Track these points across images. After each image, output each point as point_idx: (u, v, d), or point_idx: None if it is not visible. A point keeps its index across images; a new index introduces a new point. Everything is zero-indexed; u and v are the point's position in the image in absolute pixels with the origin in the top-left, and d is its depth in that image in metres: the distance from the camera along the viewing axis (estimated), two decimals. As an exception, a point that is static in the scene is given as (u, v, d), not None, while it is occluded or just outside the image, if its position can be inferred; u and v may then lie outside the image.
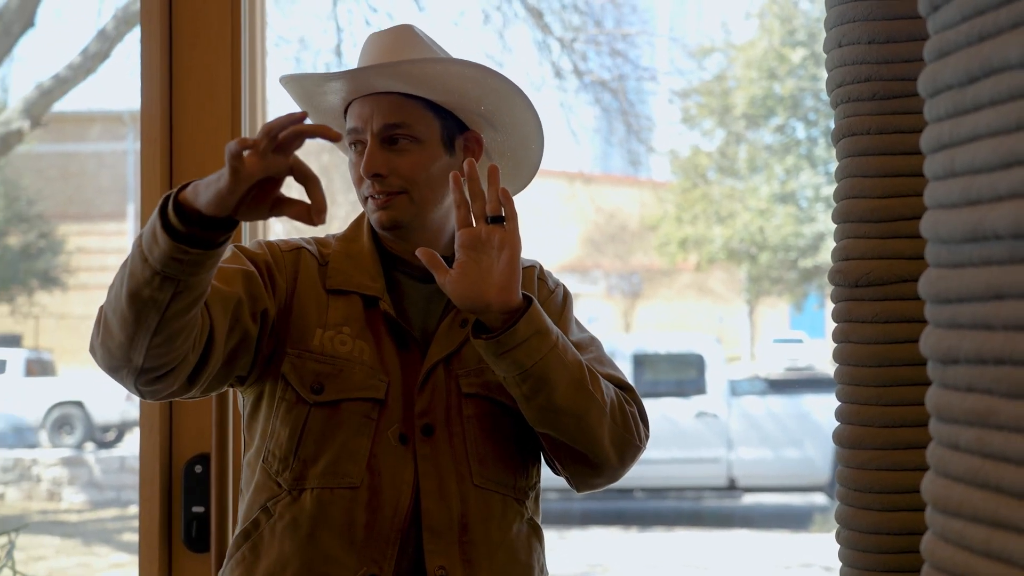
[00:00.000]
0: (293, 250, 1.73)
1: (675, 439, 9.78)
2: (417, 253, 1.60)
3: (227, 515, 2.20)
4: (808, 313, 19.27)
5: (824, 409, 9.73)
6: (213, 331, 1.55)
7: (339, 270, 1.72)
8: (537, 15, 10.82)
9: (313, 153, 10.59)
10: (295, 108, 1.77)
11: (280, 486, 1.66)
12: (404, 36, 1.71)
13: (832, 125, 1.55)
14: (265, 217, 1.41)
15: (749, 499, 10.46)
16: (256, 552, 1.66)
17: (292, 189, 1.41)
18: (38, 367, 13.27)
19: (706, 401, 10.12)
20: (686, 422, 9.99)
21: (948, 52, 0.93)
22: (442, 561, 1.63)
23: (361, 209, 1.76)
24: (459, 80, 1.66)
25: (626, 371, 9.27)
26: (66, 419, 11.54)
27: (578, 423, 1.63)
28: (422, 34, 1.73)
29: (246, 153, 1.34)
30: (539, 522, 1.77)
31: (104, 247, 15.57)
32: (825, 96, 1.59)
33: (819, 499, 10.21)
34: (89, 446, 11.35)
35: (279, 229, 9.67)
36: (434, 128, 1.68)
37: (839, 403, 1.50)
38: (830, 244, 1.60)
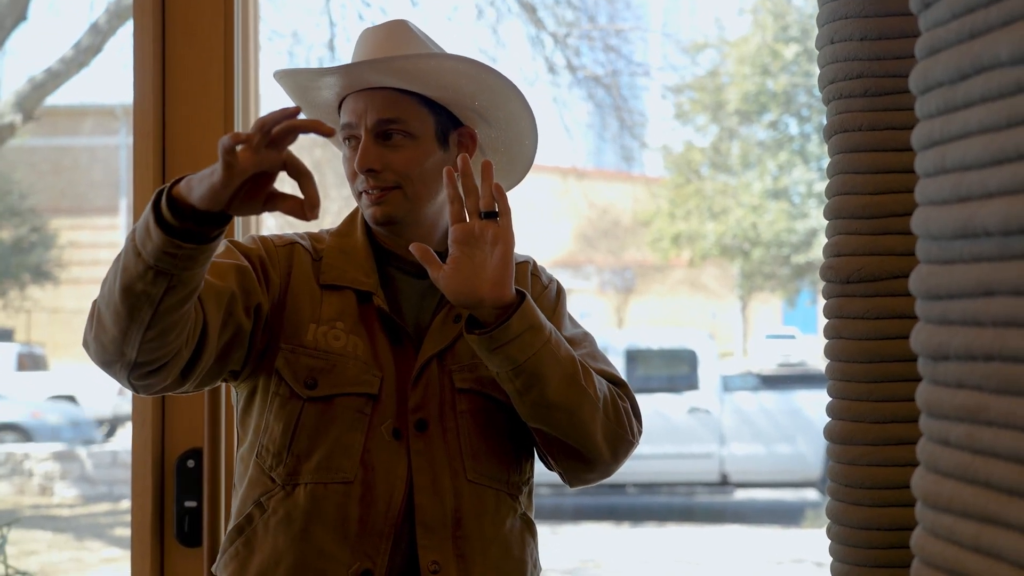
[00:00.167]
0: (287, 245, 1.73)
1: (667, 435, 9.79)
2: (411, 248, 1.60)
3: (219, 510, 2.21)
4: (801, 309, 19.30)
5: (816, 405, 9.74)
6: (206, 326, 1.55)
7: (333, 265, 1.72)
8: (530, 10, 10.81)
9: (306, 148, 10.58)
10: (288, 102, 1.77)
11: (273, 481, 1.66)
12: (398, 31, 1.71)
13: (825, 121, 1.55)
14: (258, 212, 1.41)
15: (741, 495, 10.48)
16: (250, 547, 1.66)
17: (285, 184, 1.41)
18: (30, 361, 13.25)
19: (698, 397, 10.13)
20: (678, 418, 10.00)
21: (939, 49, 0.93)
22: (435, 556, 1.64)
23: (355, 204, 1.76)
24: (453, 76, 1.66)
25: (619, 367, 9.27)
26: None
27: (571, 418, 1.63)
28: (416, 29, 1.73)
29: (239, 148, 1.34)
30: (532, 517, 1.78)
31: (96, 241, 15.55)
32: (818, 92, 1.60)
33: (811, 495, 10.23)
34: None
35: (272, 224, 9.66)
36: (428, 123, 1.68)
37: (830, 399, 1.51)
38: (823, 240, 1.61)
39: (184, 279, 1.42)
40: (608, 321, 18.79)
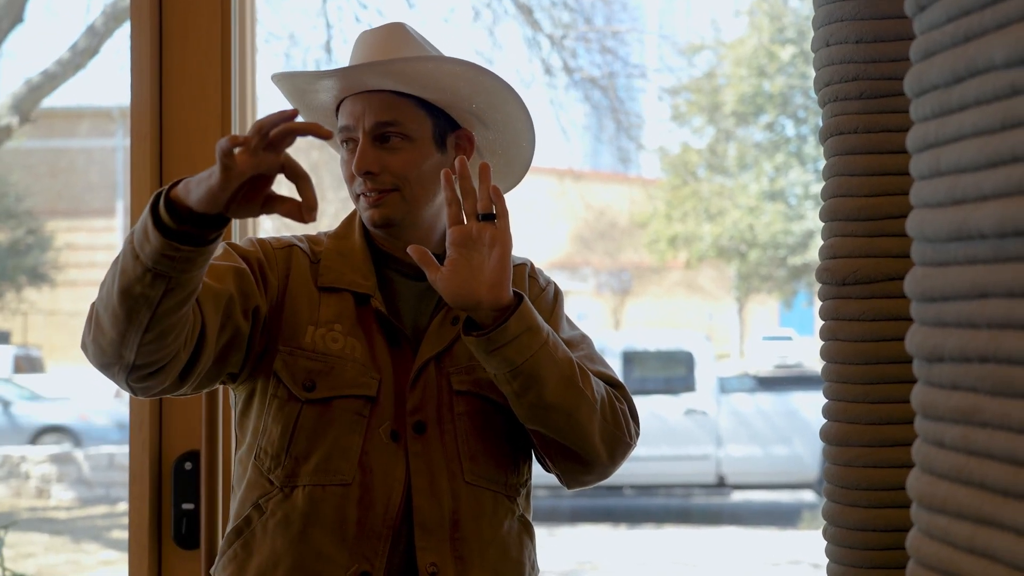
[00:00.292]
0: (285, 247, 1.73)
1: (664, 436, 9.80)
2: (408, 250, 1.61)
3: (217, 512, 2.21)
4: (797, 310, 19.30)
5: (813, 406, 9.75)
6: (205, 328, 1.55)
7: (331, 268, 1.72)
8: (527, 12, 10.82)
9: (303, 150, 10.58)
10: (286, 105, 1.77)
11: (272, 483, 1.66)
12: (396, 34, 1.72)
13: (821, 123, 1.56)
14: (256, 214, 1.41)
15: (738, 496, 10.49)
16: (248, 549, 1.67)
17: (282, 186, 1.41)
18: (26, 364, 13.24)
19: (695, 398, 10.14)
20: (675, 419, 10.01)
21: (934, 52, 0.94)
22: (433, 558, 1.64)
23: (352, 207, 1.77)
24: (451, 78, 1.66)
25: (615, 368, 9.28)
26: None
27: (568, 420, 1.63)
28: (413, 32, 1.74)
29: (237, 150, 1.34)
30: (530, 519, 1.78)
31: (93, 243, 15.54)
32: (814, 94, 1.60)
33: (808, 496, 10.23)
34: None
35: (268, 226, 9.66)
36: (426, 126, 1.69)
37: (827, 400, 1.51)
38: (819, 241, 1.62)
39: (182, 281, 1.43)
40: (605, 323, 18.79)
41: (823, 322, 1.52)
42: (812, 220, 15.17)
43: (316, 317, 1.69)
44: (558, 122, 14.59)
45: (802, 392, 10.21)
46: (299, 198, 1.37)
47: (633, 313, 19.38)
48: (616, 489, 10.20)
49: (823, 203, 1.53)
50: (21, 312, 15.15)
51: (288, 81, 1.73)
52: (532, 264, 1.84)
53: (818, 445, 9.44)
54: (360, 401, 1.66)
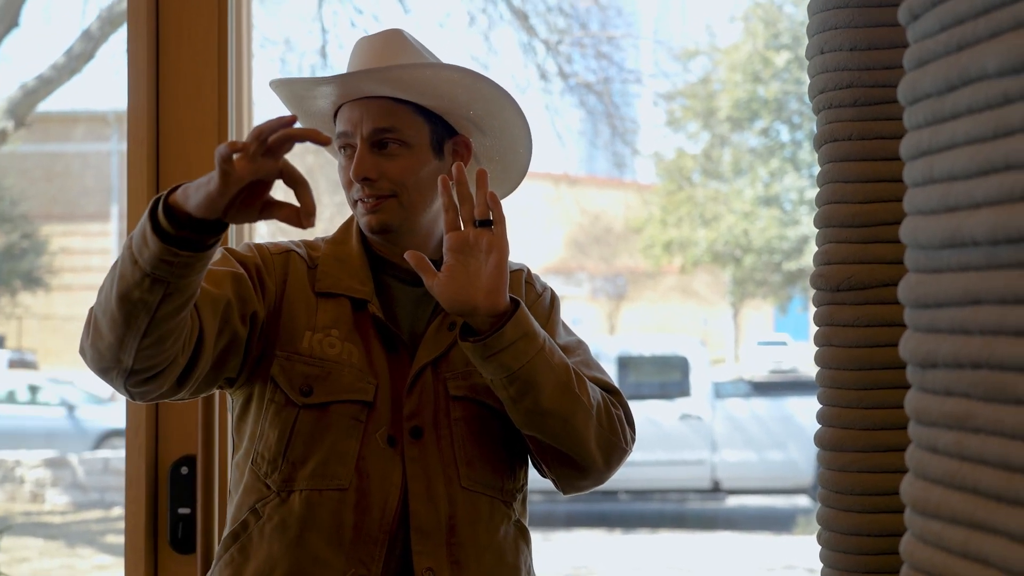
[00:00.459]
0: (282, 253, 1.74)
1: (659, 441, 9.80)
2: (406, 256, 1.61)
3: (213, 517, 2.21)
4: (792, 316, 19.32)
5: (808, 412, 9.76)
6: (203, 333, 1.56)
7: (328, 273, 1.72)
8: (522, 17, 10.83)
9: (298, 154, 10.58)
10: (283, 109, 1.78)
11: (269, 488, 1.67)
12: (394, 41, 1.72)
13: (815, 129, 1.56)
14: (255, 220, 1.42)
15: (733, 501, 10.49)
16: (245, 553, 1.67)
17: (279, 191, 1.42)
18: (21, 368, 13.23)
19: (690, 403, 10.14)
20: (670, 424, 10.01)
21: (927, 61, 0.94)
22: (430, 563, 1.64)
23: (348, 211, 1.77)
24: (449, 85, 1.67)
25: (610, 373, 9.26)
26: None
27: (564, 426, 1.64)
28: (411, 39, 1.74)
29: (236, 156, 1.35)
30: (526, 524, 1.78)
31: (88, 247, 15.53)
32: (809, 99, 1.61)
33: (802, 501, 10.24)
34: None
35: (263, 231, 9.65)
36: (423, 132, 1.69)
37: (821, 406, 1.52)
38: (814, 247, 1.61)
39: (181, 287, 1.43)
40: (600, 328, 18.80)
41: (817, 328, 1.52)
42: (807, 225, 15.18)
43: (313, 322, 1.69)
44: (553, 127, 14.60)
45: (797, 397, 10.22)
46: (297, 203, 1.37)
47: (628, 318, 19.39)
48: (611, 494, 10.19)
49: (817, 209, 1.54)
50: (16, 316, 15.14)
51: (286, 87, 1.73)
52: (529, 270, 1.85)
53: (813, 450, 9.44)
54: (357, 406, 1.66)
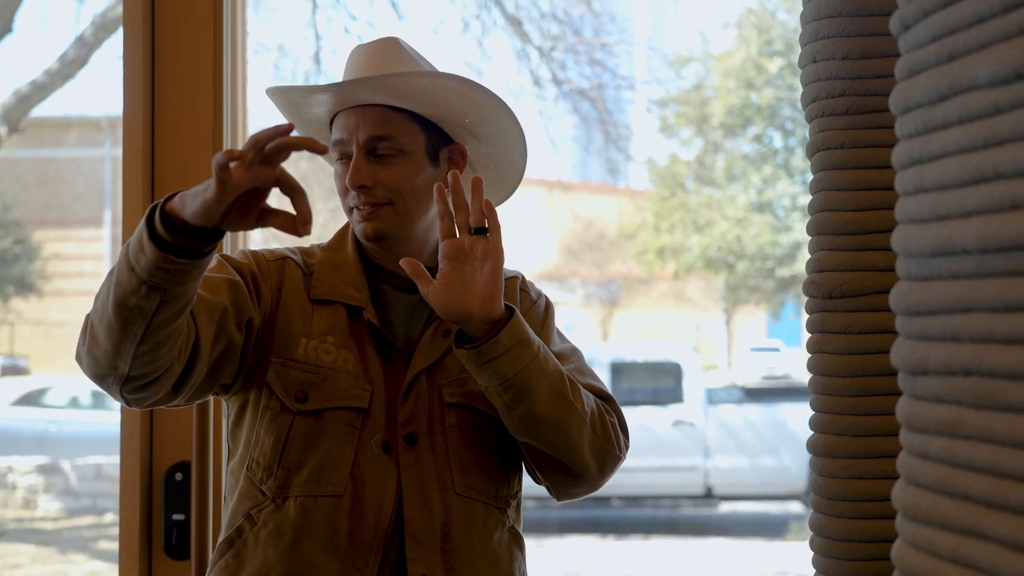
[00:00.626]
0: (278, 260, 1.74)
1: (652, 447, 9.79)
2: (401, 263, 1.62)
3: (207, 523, 2.21)
4: (785, 322, 19.31)
5: (800, 418, 9.75)
6: (199, 340, 1.56)
7: (323, 280, 1.73)
8: (516, 24, 10.84)
9: (292, 160, 10.53)
10: (277, 115, 1.79)
11: (264, 494, 1.67)
12: (390, 49, 1.73)
13: (808, 136, 1.57)
14: (251, 227, 1.42)
15: (726, 507, 10.48)
16: (240, 560, 1.67)
17: (273, 199, 1.43)
18: (13, 374, 13.19)
19: (683, 409, 10.14)
20: (663, 430, 10.00)
21: (918, 71, 0.95)
22: (424, 569, 1.65)
23: (341, 217, 1.78)
24: (445, 93, 1.68)
25: (603, 379, 9.24)
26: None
27: (559, 433, 1.64)
28: (407, 47, 1.75)
29: (233, 165, 1.35)
30: (520, 531, 1.79)
31: (81, 253, 15.49)
32: (802, 107, 1.62)
33: (795, 507, 10.24)
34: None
35: (256, 237, 9.65)
36: (419, 140, 1.70)
37: (813, 412, 1.52)
38: (807, 253, 1.62)
39: (177, 294, 1.44)
40: (593, 334, 18.79)
41: (810, 334, 1.53)
42: (799, 232, 15.20)
43: (309, 329, 1.69)
44: (547, 133, 14.60)
45: (789, 403, 10.22)
46: (293, 211, 1.38)
47: (621, 324, 19.38)
48: (604, 500, 10.19)
49: (810, 217, 1.55)
50: (8, 322, 15.10)
51: (282, 95, 1.74)
52: (524, 277, 1.85)
53: (805, 456, 9.40)
54: (352, 413, 1.67)
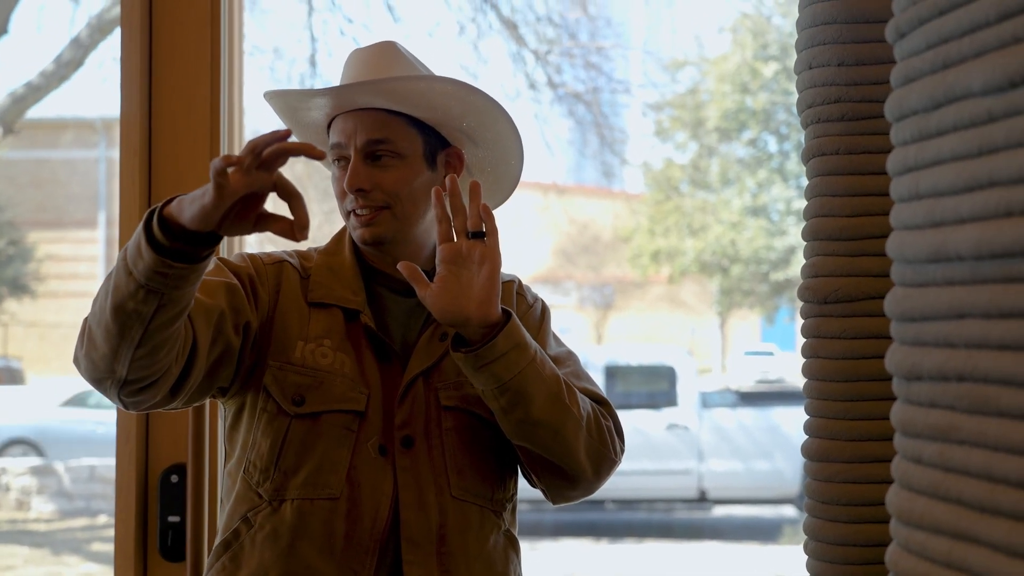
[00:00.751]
0: (275, 263, 1.75)
1: (646, 451, 9.79)
2: (398, 267, 1.62)
3: (203, 525, 2.21)
4: (779, 326, 19.32)
5: (794, 422, 9.77)
6: (196, 343, 1.57)
7: (321, 283, 1.73)
8: (512, 27, 10.85)
9: (288, 163, 10.54)
10: (274, 117, 1.79)
11: (260, 497, 1.67)
12: (387, 53, 1.73)
13: (803, 141, 1.58)
14: (249, 232, 1.43)
15: (719, 511, 10.48)
16: (236, 562, 1.67)
17: (270, 203, 1.43)
18: (7, 375, 13.16)
19: (677, 413, 10.14)
20: (657, 434, 10.01)
21: (913, 78, 0.96)
22: (420, 572, 1.65)
23: (337, 220, 1.78)
24: (442, 97, 1.68)
25: (597, 382, 9.21)
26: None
27: (555, 436, 1.65)
28: (404, 51, 1.75)
29: (230, 169, 1.36)
30: (516, 534, 1.79)
31: (75, 255, 15.46)
32: (797, 113, 1.63)
33: (789, 511, 10.24)
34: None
35: (251, 240, 9.64)
36: (417, 144, 1.71)
37: (808, 416, 1.53)
38: (801, 257, 1.63)
39: (175, 298, 1.44)
40: (587, 337, 18.78)
41: (805, 339, 1.54)
42: (794, 236, 15.21)
43: (306, 332, 1.70)
44: (542, 137, 14.59)
45: (783, 407, 10.22)
46: (291, 216, 1.38)
47: (615, 327, 19.38)
48: (598, 503, 10.18)
49: (805, 222, 1.55)
50: (2, 323, 15.07)
51: (280, 98, 1.74)
52: (520, 281, 1.86)
53: (799, 460, 9.45)
54: (349, 416, 1.67)
